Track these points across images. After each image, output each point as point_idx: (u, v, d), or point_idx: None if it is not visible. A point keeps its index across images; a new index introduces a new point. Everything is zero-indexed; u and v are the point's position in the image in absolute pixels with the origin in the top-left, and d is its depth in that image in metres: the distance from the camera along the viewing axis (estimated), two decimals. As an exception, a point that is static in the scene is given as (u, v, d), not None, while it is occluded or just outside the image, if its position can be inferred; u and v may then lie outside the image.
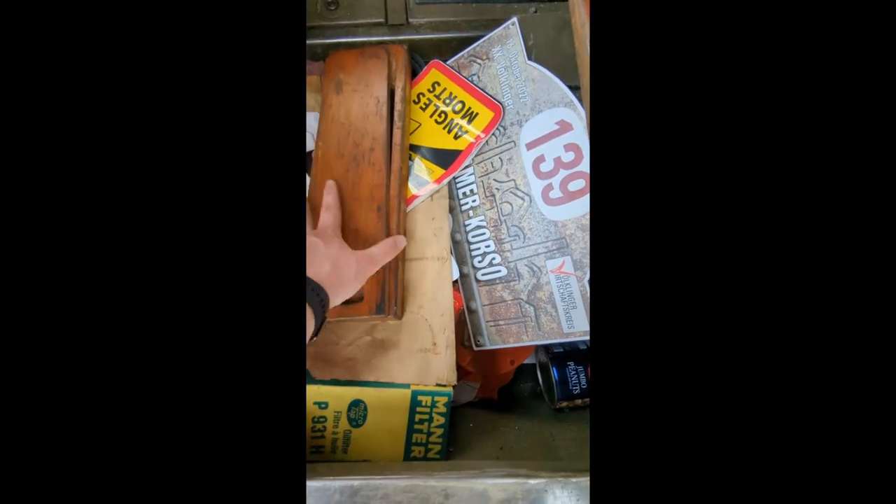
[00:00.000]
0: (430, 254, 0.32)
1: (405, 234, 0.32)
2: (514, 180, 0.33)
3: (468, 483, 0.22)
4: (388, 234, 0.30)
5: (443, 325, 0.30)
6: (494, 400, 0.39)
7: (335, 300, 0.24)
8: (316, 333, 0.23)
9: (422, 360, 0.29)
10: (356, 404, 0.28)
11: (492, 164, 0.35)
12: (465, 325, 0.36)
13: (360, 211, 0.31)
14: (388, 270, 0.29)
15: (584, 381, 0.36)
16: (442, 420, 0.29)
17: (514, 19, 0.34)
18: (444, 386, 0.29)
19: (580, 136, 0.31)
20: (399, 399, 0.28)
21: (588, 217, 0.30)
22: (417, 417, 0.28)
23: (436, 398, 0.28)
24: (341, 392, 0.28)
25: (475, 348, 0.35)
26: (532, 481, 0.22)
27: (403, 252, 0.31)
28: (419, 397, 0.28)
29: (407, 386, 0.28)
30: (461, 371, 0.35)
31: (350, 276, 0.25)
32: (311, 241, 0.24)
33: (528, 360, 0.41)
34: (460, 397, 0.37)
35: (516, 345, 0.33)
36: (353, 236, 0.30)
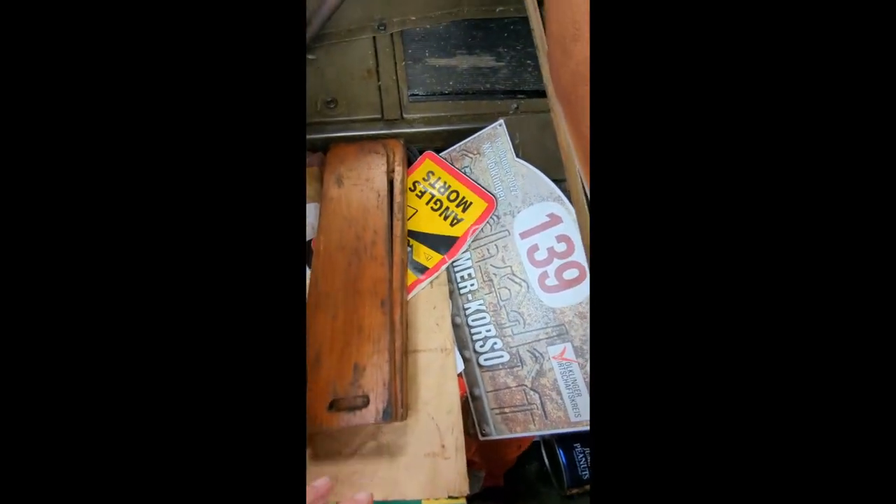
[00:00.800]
0: (434, 345, 0.32)
1: (407, 326, 0.32)
2: (510, 267, 0.35)
3: None
4: (392, 329, 0.30)
5: (450, 424, 0.30)
6: (501, 487, 0.38)
7: None
8: None
9: (430, 466, 0.28)
10: (363, 525, 0.26)
11: (488, 250, 0.36)
12: (469, 413, 0.35)
13: (364, 307, 0.31)
14: (394, 369, 0.28)
15: (592, 465, 0.35)
16: (455, 535, 0.27)
17: (501, 121, 0.38)
18: (457, 498, 0.28)
19: (570, 228, 0.33)
20: (410, 516, 0.26)
21: (585, 305, 0.31)
22: (429, 535, 0.26)
23: (448, 511, 0.27)
24: (346, 511, 0.26)
25: (481, 438, 0.34)
26: None
27: (406, 345, 0.31)
28: (430, 511, 0.27)
29: (418, 502, 0.26)
30: (467, 463, 0.33)
31: None
32: None
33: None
34: (467, 489, 0.35)
35: (524, 434, 0.32)
36: (357, 333, 0.30)
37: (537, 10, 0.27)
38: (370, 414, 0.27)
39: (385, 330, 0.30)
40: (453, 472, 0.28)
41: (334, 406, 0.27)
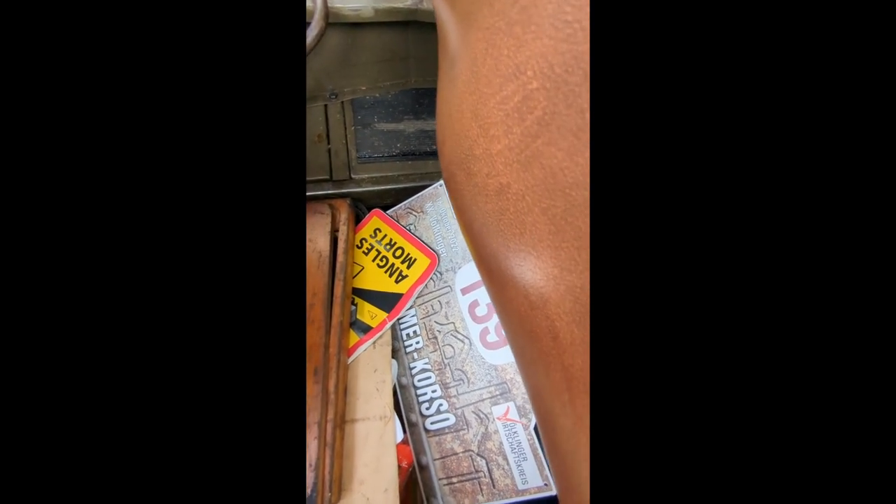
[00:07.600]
0: (373, 413, 0.31)
1: (346, 392, 0.31)
2: (453, 323, 0.35)
3: None
4: (325, 399, 0.29)
5: (386, 504, 0.27)
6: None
7: None
8: None
9: (362, 557, 0.25)
10: None
11: (432, 306, 0.36)
12: (416, 485, 0.32)
13: (295, 376, 0.29)
14: (323, 446, 0.26)
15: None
16: None
17: (441, 181, 0.40)
18: None
19: (507, 283, 0.34)
20: None
21: (524, 361, 0.31)
22: None
23: None
24: None
25: (429, 514, 0.31)
26: None
27: (343, 414, 0.30)
28: None
29: None
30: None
31: None
32: None
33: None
34: (418, 577, 0.32)
35: (472, 508, 0.30)
36: (287, 405, 0.28)
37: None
38: None
39: (317, 401, 0.28)
40: (386, 565, 0.25)
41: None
